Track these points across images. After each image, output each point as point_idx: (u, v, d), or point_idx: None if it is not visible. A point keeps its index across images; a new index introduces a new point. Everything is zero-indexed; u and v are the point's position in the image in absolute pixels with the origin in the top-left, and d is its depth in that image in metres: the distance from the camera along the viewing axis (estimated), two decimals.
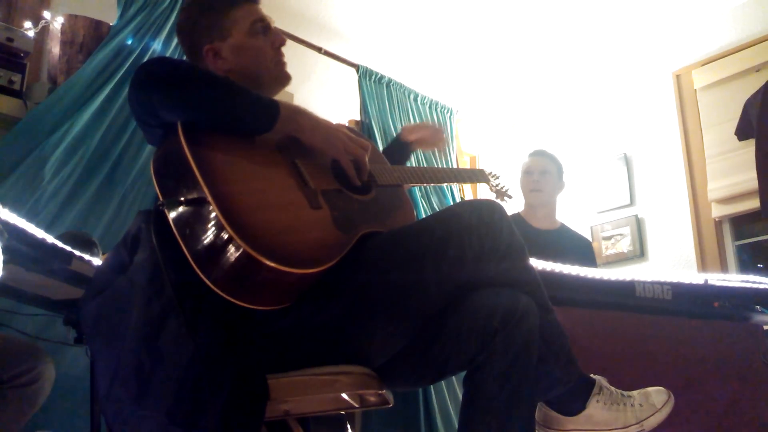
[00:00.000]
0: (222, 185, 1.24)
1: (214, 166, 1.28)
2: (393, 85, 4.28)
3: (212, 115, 1.35)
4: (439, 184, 3.82)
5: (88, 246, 1.82)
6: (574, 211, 4.59)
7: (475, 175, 2.03)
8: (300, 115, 1.47)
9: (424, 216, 3.89)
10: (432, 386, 3.32)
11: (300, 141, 1.46)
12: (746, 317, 2.23)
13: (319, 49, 3.94)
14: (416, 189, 4.03)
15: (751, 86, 3.91)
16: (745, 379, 2.13)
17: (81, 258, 1.70)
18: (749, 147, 3.86)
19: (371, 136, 3.90)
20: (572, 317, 1.86)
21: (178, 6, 3.28)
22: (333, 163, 1.52)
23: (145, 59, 3.07)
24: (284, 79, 1.65)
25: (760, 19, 4.00)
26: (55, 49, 2.99)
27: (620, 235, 4.39)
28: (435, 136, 2.05)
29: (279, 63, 1.64)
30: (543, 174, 3.15)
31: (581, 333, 1.78)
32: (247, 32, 1.60)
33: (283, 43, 1.65)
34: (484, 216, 1.36)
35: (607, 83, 4.63)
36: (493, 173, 2.05)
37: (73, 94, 2.83)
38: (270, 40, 1.63)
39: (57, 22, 2.98)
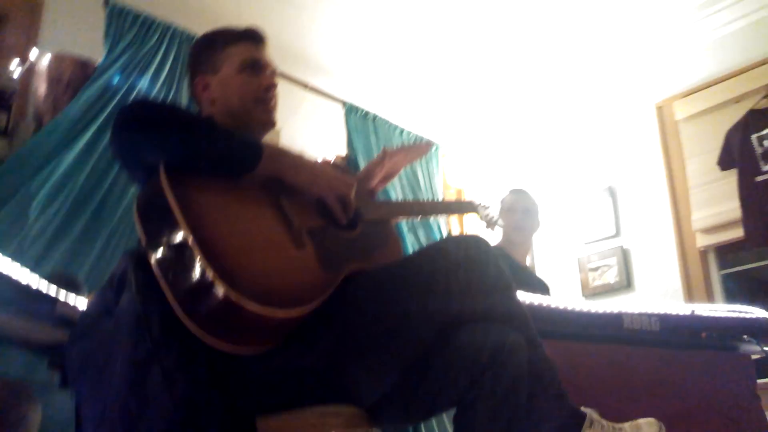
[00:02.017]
0: (204, 227, 1.24)
1: (196, 207, 1.27)
2: (378, 120, 4.31)
3: (194, 156, 1.35)
4: (427, 218, 3.83)
5: (73, 287, 1.80)
6: (561, 243, 4.61)
7: (464, 206, 2.02)
8: (283, 155, 1.47)
9: (410, 250, 3.93)
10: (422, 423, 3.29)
11: (284, 180, 1.46)
12: (734, 347, 2.23)
13: (304, 85, 3.97)
14: (403, 222, 4.03)
15: (732, 117, 3.98)
16: (734, 409, 2.13)
17: (66, 301, 1.69)
18: (732, 176, 3.91)
19: (358, 170, 3.91)
20: (561, 350, 1.85)
21: (165, 44, 3.30)
22: (318, 200, 1.52)
23: (132, 97, 3.09)
24: (268, 123, 1.64)
25: (739, 51, 4.08)
26: (41, 87, 2.99)
27: (606, 266, 4.41)
28: (411, 156, 1.90)
29: (264, 103, 1.63)
30: (525, 212, 3.16)
31: (570, 366, 1.78)
32: (236, 68, 1.61)
33: (271, 86, 1.64)
34: (470, 251, 1.36)
35: (590, 116, 4.69)
36: (482, 204, 2.05)
37: (59, 133, 2.83)
38: (258, 80, 1.62)
39: (44, 61, 2.99)
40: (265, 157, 1.40)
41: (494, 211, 2.05)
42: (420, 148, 1.92)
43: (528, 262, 3.21)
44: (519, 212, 3.15)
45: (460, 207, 2.08)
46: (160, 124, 1.36)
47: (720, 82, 4.14)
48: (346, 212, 1.53)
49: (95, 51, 3.10)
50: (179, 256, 1.22)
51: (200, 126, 1.40)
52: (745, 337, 2.22)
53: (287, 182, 1.45)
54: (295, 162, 1.48)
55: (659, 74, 4.40)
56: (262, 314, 1.17)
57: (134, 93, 3.11)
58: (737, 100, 4.03)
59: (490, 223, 2.05)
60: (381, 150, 1.84)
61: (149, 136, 1.34)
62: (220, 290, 1.16)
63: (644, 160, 4.39)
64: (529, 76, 4.61)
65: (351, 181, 1.56)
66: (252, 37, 1.67)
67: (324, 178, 1.50)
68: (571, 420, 1.42)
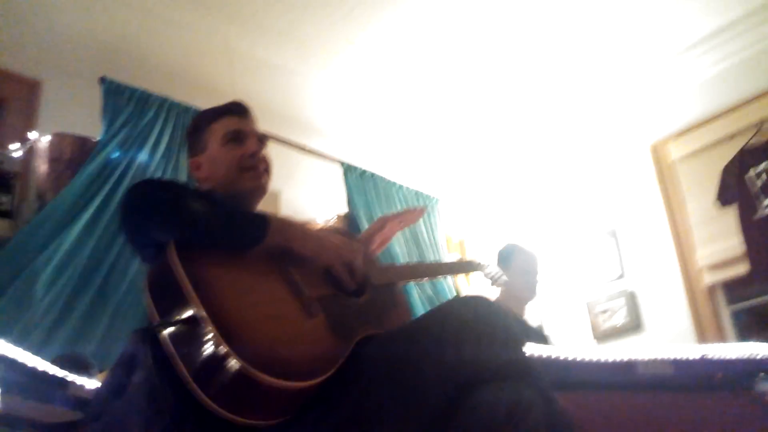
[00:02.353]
0: (216, 301, 1.24)
1: (207, 282, 1.28)
2: (377, 178, 4.35)
3: (202, 235, 1.37)
4: (433, 279, 3.84)
5: (84, 368, 1.80)
6: (568, 288, 4.60)
7: (467, 266, 2.04)
8: (289, 226, 1.49)
9: (419, 306, 3.92)
10: None
11: (292, 251, 1.47)
12: (750, 386, 2.21)
13: (301, 148, 4.02)
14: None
15: (727, 154, 4.02)
16: None
17: (77, 383, 1.69)
18: (732, 212, 3.92)
19: (360, 229, 3.93)
20: (575, 401, 1.83)
21: (162, 117, 3.36)
22: (326, 269, 1.53)
23: (132, 171, 3.13)
24: (257, 189, 1.67)
25: (729, 90, 4.14)
26: (42, 166, 3.03)
27: (615, 308, 4.39)
28: (406, 221, 1.92)
29: (250, 170, 1.66)
30: (536, 273, 3.20)
31: (585, 417, 1.76)
32: (219, 143, 1.67)
33: (255, 152, 1.67)
34: (478, 310, 1.37)
35: (587, 161, 4.73)
36: (483, 263, 2.07)
37: (61, 211, 2.86)
38: (242, 149, 1.66)
39: (43, 141, 3.03)
40: (272, 230, 1.42)
41: (498, 270, 2.07)
42: (414, 213, 1.95)
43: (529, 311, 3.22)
44: (532, 273, 3.17)
45: (464, 267, 2.09)
46: (166, 204, 1.38)
47: (712, 121, 4.19)
48: (354, 278, 1.54)
49: (93, 128, 3.16)
50: (192, 332, 1.22)
51: (209, 204, 1.43)
52: (761, 374, 2.19)
53: (295, 253, 1.46)
54: (302, 232, 1.50)
55: (652, 116, 4.46)
56: (277, 386, 1.17)
57: (134, 167, 3.15)
58: (731, 137, 4.08)
59: (495, 281, 2.06)
60: (378, 219, 1.88)
61: (157, 217, 1.37)
62: (234, 364, 1.16)
63: (643, 201, 4.42)
64: (524, 125, 4.67)
65: (357, 247, 1.57)
66: (233, 111, 1.72)
67: (331, 246, 1.52)
68: None
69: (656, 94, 4.44)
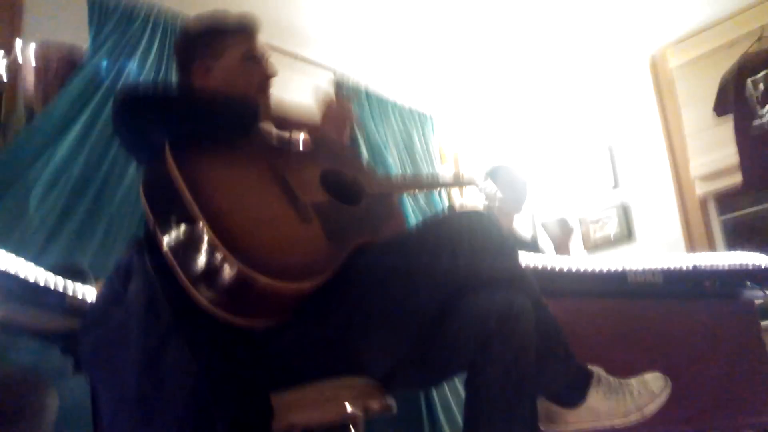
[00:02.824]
0: (212, 204, 1.25)
1: (203, 185, 1.29)
2: (370, 93, 4.30)
3: (197, 123, 1.39)
4: (428, 191, 3.85)
5: (80, 277, 1.82)
6: (560, 199, 4.62)
7: (461, 180, 2.04)
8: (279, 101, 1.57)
9: (413, 219, 3.94)
10: None
11: (288, 152, 1.48)
12: (737, 294, 2.26)
13: (294, 57, 3.94)
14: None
15: (726, 62, 3.95)
16: (741, 356, 2.16)
17: (74, 291, 1.70)
18: (728, 122, 3.90)
19: (357, 142, 3.90)
20: (565, 308, 1.87)
21: (150, 26, 3.27)
22: (322, 175, 1.53)
23: (121, 81, 3.07)
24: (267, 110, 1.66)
25: None
26: (29, 78, 2.96)
27: (607, 218, 4.42)
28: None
29: (265, 92, 1.67)
30: (524, 188, 3.25)
31: (576, 324, 1.80)
32: (240, 57, 1.65)
33: (272, 75, 1.69)
34: (473, 221, 1.38)
35: (583, 72, 4.65)
36: (477, 178, 2.07)
37: (51, 122, 2.82)
38: (262, 70, 1.67)
39: (29, 51, 2.96)
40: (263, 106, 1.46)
41: (492, 186, 2.07)
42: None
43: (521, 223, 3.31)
44: (519, 189, 3.18)
45: (459, 180, 2.10)
46: (158, 99, 1.41)
47: (713, 27, 4.11)
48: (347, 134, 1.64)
49: (80, 39, 3.07)
50: (189, 235, 1.24)
51: (202, 95, 1.44)
52: (747, 283, 2.24)
53: (291, 120, 1.49)
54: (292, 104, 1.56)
55: (651, 23, 4.35)
56: (274, 288, 1.20)
57: (123, 77, 3.09)
58: (730, 44, 4.00)
59: (489, 197, 2.07)
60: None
61: (150, 112, 1.37)
62: (232, 266, 1.18)
63: (640, 111, 4.37)
64: (519, 36, 4.56)
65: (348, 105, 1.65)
66: (251, 29, 1.72)
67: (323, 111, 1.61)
68: (578, 379, 1.45)
69: (655, 0, 4.33)
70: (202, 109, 1.43)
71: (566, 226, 3.20)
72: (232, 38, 1.67)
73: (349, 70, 4.23)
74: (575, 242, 3.34)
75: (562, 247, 3.20)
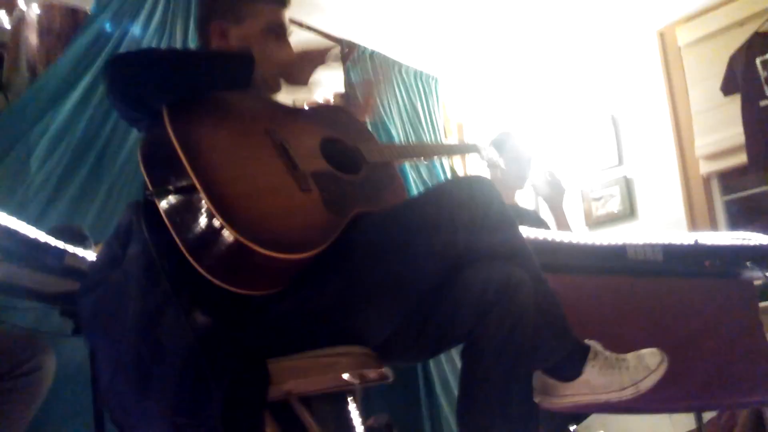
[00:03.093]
0: (210, 172, 1.24)
1: (201, 152, 1.28)
2: (376, 56, 4.25)
3: (193, 75, 1.38)
4: (430, 159, 3.83)
5: (80, 239, 1.82)
6: (563, 174, 4.60)
7: (465, 148, 2.03)
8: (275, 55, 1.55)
9: (413, 187, 3.94)
10: None
11: (287, 119, 1.46)
12: (737, 274, 2.25)
13: (299, 24, 3.90)
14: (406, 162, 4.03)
15: (735, 41, 3.91)
16: (738, 336, 2.16)
17: (74, 253, 1.71)
18: (735, 102, 3.87)
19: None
20: (564, 283, 1.87)
21: None
22: (322, 144, 1.51)
23: (125, 44, 3.04)
24: (274, 87, 1.62)
25: None
26: (32, 38, 2.95)
27: (609, 195, 4.41)
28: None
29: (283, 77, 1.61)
30: (529, 160, 3.20)
31: (574, 299, 1.80)
32: (261, 28, 1.57)
33: (290, 59, 1.61)
34: (473, 191, 1.37)
35: (591, 45, 4.60)
36: (480, 146, 2.05)
37: (54, 84, 2.80)
38: (284, 52, 1.59)
39: (32, 11, 2.94)
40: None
41: (495, 154, 2.05)
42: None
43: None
44: (524, 162, 3.15)
45: (462, 149, 2.08)
46: (150, 58, 1.39)
47: (723, 6, 4.06)
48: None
49: None
50: (186, 202, 1.23)
51: (193, 52, 1.42)
52: (747, 263, 2.23)
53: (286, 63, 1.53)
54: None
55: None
56: (271, 257, 1.19)
57: (126, 39, 3.06)
58: (741, 23, 3.95)
59: (492, 164, 2.06)
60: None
61: (144, 72, 1.34)
62: (229, 235, 1.18)
63: (647, 87, 4.34)
64: (529, 4, 4.51)
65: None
66: (282, 2, 1.63)
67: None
68: (575, 353, 1.45)
69: None
70: (192, 61, 1.41)
71: (557, 184, 3.13)
72: (259, 6, 1.58)
73: (354, 33, 4.18)
74: (568, 201, 3.24)
75: (556, 208, 3.13)
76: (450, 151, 2.11)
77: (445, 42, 4.70)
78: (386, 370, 1.42)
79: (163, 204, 1.26)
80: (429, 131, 4.36)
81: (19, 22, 2.91)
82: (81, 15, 3.02)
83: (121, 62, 1.39)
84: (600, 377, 1.44)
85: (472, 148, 2.03)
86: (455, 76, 4.87)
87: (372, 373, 1.43)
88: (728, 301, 2.20)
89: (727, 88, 3.92)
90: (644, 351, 1.49)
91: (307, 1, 4.10)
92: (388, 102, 4.22)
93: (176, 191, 1.25)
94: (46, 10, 2.96)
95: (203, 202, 1.19)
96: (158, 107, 1.31)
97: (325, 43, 1.78)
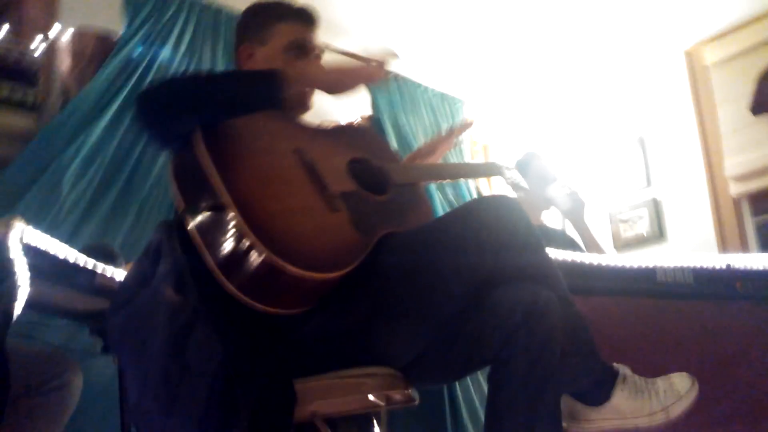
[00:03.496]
0: (242, 191, 1.26)
1: (233, 171, 1.29)
2: (401, 79, 4.28)
3: (224, 102, 1.37)
4: (455, 180, 3.83)
5: (111, 258, 1.85)
6: (591, 195, 4.57)
7: (489, 169, 2.03)
8: (303, 71, 1.55)
9: (439, 208, 3.94)
10: None
11: (316, 139, 1.47)
12: None
13: (326, 47, 3.93)
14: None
15: (763, 60, 3.89)
16: None
17: (104, 271, 1.73)
18: (765, 122, 3.83)
19: (384, 132, 3.90)
20: (593, 306, 1.85)
21: (184, 13, 3.30)
22: (350, 164, 1.53)
23: (154, 68, 3.10)
24: (303, 107, 1.64)
25: None
26: (65, 62, 3.01)
27: (638, 217, 4.36)
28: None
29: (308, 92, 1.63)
30: (555, 180, 3.18)
31: (603, 322, 1.77)
32: (283, 47, 1.62)
33: None
34: (500, 211, 1.37)
35: (618, 65, 4.59)
36: (504, 166, 2.05)
37: (86, 106, 2.87)
38: (304, 65, 1.62)
39: (65, 36, 3.00)
40: (287, 78, 1.39)
41: (518, 175, 2.05)
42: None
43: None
44: (549, 181, 3.14)
45: (486, 170, 2.08)
46: (180, 86, 1.40)
47: (750, 24, 4.03)
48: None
49: (115, 24, 3.12)
50: (217, 220, 1.24)
51: (223, 76, 1.43)
52: None
53: (321, 87, 1.52)
54: (319, 69, 1.59)
55: (688, 19, 4.28)
56: (300, 277, 1.20)
57: (156, 64, 3.12)
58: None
59: (515, 186, 2.05)
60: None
61: (176, 101, 1.35)
62: (260, 254, 1.18)
63: (674, 108, 4.31)
64: (555, 26, 4.52)
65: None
66: (305, 18, 1.67)
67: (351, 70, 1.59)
68: (604, 377, 1.43)
69: None
70: (220, 84, 1.41)
71: (575, 197, 3.10)
72: (282, 26, 1.63)
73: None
74: (589, 215, 3.21)
75: (577, 221, 3.10)
76: (474, 172, 2.10)
77: (470, 64, 4.72)
78: (412, 392, 1.41)
79: (194, 223, 1.27)
80: (454, 153, 4.36)
81: (51, 46, 2.97)
82: (111, 41, 3.08)
83: (148, 97, 1.40)
84: (629, 402, 1.42)
85: (497, 170, 2.03)
86: (480, 99, 4.88)
87: (398, 395, 1.42)
88: (760, 324, 2.16)
89: (757, 107, 3.88)
90: (674, 375, 1.47)
91: (333, 24, 4.14)
92: (414, 123, 4.24)
93: (207, 210, 1.26)
94: (79, 35, 3.03)
95: (234, 220, 1.20)
96: (190, 132, 1.33)
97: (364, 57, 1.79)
